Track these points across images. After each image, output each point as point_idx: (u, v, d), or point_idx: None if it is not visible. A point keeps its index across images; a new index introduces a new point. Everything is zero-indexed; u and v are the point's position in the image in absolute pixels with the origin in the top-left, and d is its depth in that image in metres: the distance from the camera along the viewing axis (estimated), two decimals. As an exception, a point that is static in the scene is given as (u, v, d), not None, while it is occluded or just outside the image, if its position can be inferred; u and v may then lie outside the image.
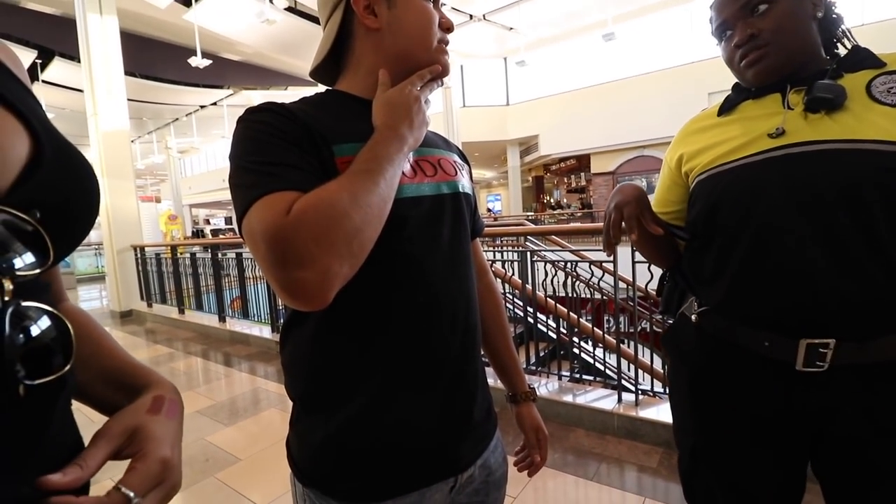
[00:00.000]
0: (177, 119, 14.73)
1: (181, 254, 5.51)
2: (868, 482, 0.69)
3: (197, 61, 8.17)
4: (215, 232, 17.95)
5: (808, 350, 0.67)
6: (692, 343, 0.84)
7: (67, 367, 0.31)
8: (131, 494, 0.32)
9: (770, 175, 0.70)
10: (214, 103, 13.27)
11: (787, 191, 0.68)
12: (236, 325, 4.60)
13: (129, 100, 5.91)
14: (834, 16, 0.76)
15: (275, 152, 0.52)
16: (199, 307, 5.38)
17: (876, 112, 0.67)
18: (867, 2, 8.59)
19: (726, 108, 0.82)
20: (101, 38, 5.44)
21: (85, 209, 0.37)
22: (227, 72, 10.79)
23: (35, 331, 0.29)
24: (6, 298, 0.28)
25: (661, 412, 2.15)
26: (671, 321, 0.95)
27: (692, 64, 10.25)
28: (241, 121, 0.55)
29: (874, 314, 0.65)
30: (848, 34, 0.78)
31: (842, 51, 0.77)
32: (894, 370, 0.65)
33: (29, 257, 0.30)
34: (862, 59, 0.73)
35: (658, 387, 2.35)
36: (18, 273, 0.29)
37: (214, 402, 2.90)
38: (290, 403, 0.64)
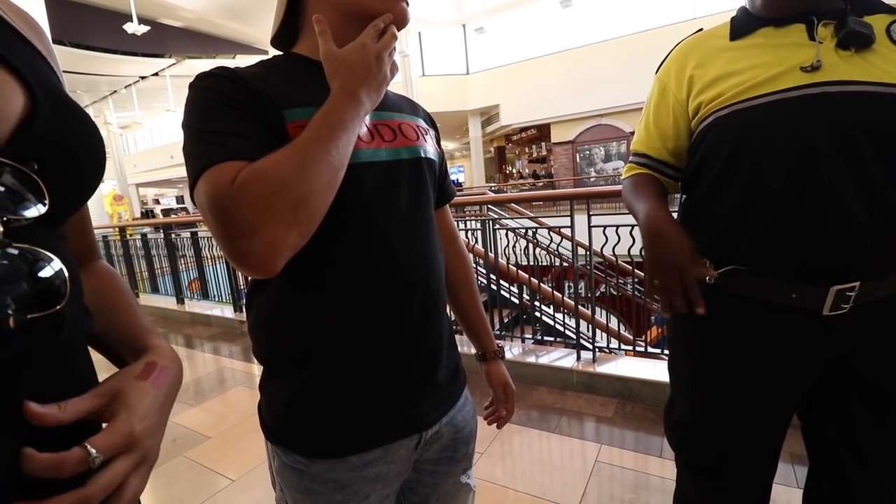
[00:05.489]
0: (115, 91, 13.65)
1: (130, 235, 5.25)
2: (879, 410, 0.72)
3: (133, 27, 7.57)
4: (167, 212, 17.08)
5: (836, 295, 0.67)
6: (705, 304, 0.78)
7: (59, 307, 0.32)
8: (94, 451, 0.33)
9: (808, 115, 0.65)
10: (156, 74, 12.35)
11: (828, 133, 0.64)
12: (196, 306, 4.46)
13: (58, 70, 5.43)
14: None
15: (223, 120, 0.51)
16: (155, 290, 5.17)
17: None
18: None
19: (741, 32, 0.73)
20: (23, 2, 4.92)
21: (88, 161, 0.38)
22: (168, 39, 10.02)
23: (24, 269, 0.31)
24: None
25: (616, 367, 2.29)
26: None
27: (650, 31, 10.36)
28: (191, 87, 0.54)
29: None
30: None
31: None
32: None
33: (27, 206, 0.31)
34: (874, 2, 0.70)
35: (614, 343, 2.49)
36: (12, 218, 0.31)
37: (178, 384, 2.85)
38: (257, 381, 0.66)
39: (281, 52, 0.67)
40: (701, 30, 0.82)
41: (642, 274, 0.85)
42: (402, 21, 0.60)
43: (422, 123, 0.70)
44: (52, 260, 0.33)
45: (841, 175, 0.64)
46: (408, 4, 0.62)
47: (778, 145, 0.66)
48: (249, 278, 0.62)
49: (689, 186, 0.82)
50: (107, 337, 0.44)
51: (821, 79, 0.65)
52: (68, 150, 0.36)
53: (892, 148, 0.63)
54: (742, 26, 0.74)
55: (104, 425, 0.36)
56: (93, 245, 0.50)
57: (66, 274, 0.33)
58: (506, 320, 3.29)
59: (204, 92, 0.53)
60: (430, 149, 0.68)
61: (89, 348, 0.42)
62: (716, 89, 0.72)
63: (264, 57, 0.64)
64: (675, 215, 0.88)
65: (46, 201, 0.33)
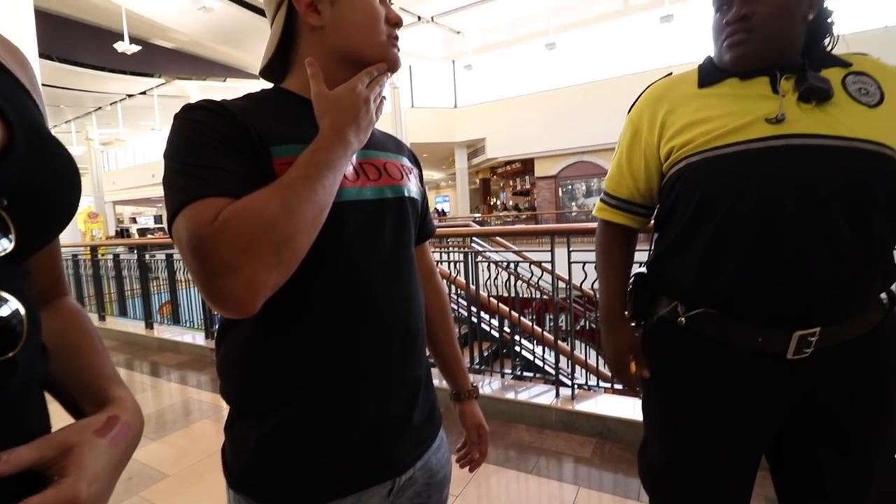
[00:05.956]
0: (100, 108, 13.56)
1: (102, 255, 5.07)
2: (842, 451, 0.73)
3: (124, 46, 7.60)
4: (143, 231, 16.69)
5: (799, 340, 0.70)
6: (676, 346, 0.81)
7: (12, 354, 0.30)
8: None
9: (774, 167, 0.68)
10: (144, 92, 12.33)
11: (792, 184, 0.67)
12: (165, 331, 4.28)
13: (44, 85, 5.37)
14: (828, 21, 0.75)
15: (207, 154, 0.50)
16: (123, 313, 4.96)
17: (857, 110, 0.68)
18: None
19: (709, 81, 0.78)
20: (11, 15, 4.90)
21: (62, 198, 0.37)
22: (158, 59, 10.07)
23: None
24: None
25: (596, 404, 2.26)
26: (643, 326, 0.90)
27: (629, 76, 10.85)
28: (176, 118, 0.53)
29: (855, 302, 0.70)
30: (834, 43, 0.76)
31: None
32: (857, 343, 0.72)
33: None
34: (827, 56, 0.74)
35: (592, 380, 2.47)
36: None
37: (140, 414, 2.69)
38: (225, 414, 0.62)
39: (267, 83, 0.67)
40: (671, 73, 0.86)
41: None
42: (394, 67, 0.63)
43: (406, 163, 0.70)
44: (7, 301, 0.31)
45: (802, 226, 0.67)
46: (398, 50, 0.63)
47: (746, 194, 0.69)
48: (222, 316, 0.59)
49: (662, 226, 0.85)
50: (65, 383, 0.41)
51: (784, 131, 0.68)
52: (43, 187, 0.35)
53: (850, 200, 0.66)
54: (709, 74, 0.78)
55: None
56: (60, 280, 0.47)
57: (24, 314, 0.32)
58: (486, 353, 3.25)
59: (190, 124, 0.52)
60: (413, 188, 0.68)
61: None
62: (686, 135, 0.75)
63: (255, 81, 0.64)
64: (650, 248, 0.92)
65: (13, 237, 0.31)
